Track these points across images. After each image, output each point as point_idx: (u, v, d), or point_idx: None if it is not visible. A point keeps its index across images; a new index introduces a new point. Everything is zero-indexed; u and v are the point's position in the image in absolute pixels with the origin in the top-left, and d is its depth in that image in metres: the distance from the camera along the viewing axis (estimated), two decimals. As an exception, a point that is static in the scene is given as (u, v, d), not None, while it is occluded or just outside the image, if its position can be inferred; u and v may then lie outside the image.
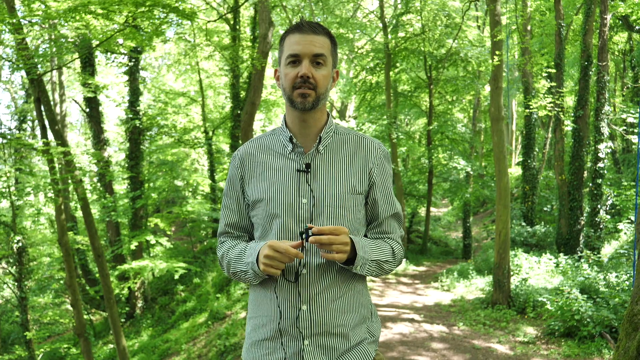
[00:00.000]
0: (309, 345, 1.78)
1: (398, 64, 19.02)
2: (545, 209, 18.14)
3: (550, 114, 14.07)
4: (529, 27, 15.95)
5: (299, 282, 1.78)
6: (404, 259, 15.64)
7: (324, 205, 1.79)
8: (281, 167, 1.85)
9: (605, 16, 12.40)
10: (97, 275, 14.93)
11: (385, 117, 18.24)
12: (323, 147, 1.86)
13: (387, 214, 1.91)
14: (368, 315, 1.92)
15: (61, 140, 9.65)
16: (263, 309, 1.87)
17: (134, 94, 16.33)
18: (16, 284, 15.20)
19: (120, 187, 20.25)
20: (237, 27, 16.61)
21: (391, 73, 18.58)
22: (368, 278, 1.89)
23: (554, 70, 14.11)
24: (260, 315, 1.88)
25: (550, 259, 11.85)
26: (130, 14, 8.62)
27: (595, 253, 12.31)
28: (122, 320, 15.66)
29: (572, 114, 13.61)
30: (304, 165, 1.82)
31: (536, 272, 11.31)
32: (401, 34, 18.44)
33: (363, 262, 1.75)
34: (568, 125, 13.90)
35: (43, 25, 12.28)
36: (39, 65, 9.60)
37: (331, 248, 1.65)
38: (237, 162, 1.94)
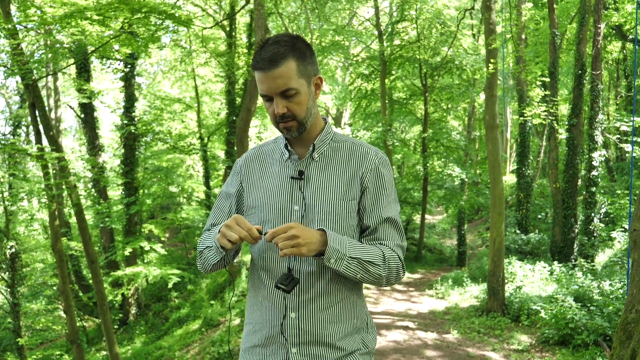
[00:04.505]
0: (296, 354, 1.78)
1: (393, 72, 19.10)
2: (539, 216, 18.19)
3: (544, 122, 14.14)
4: (523, 36, 16.04)
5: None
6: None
7: (315, 212, 1.80)
8: (276, 175, 1.87)
9: (599, 25, 12.50)
10: (91, 281, 14.82)
11: (380, 124, 18.28)
12: (318, 155, 1.86)
13: (379, 220, 1.84)
14: (362, 326, 1.90)
15: (56, 145, 9.62)
16: (256, 316, 1.88)
17: (129, 100, 16.29)
18: (9, 290, 15.10)
19: (115, 193, 20.16)
20: (233, 34, 16.63)
21: (386, 80, 18.64)
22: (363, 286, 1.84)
23: (548, 79, 14.18)
24: (253, 321, 1.89)
25: (545, 267, 11.88)
26: (126, 21, 8.62)
27: (589, 261, 12.35)
28: (115, 326, 15.57)
29: (566, 123, 13.68)
30: (297, 173, 1.83)
31: (530, 279, 11.33)
32: (397, 42, 18.52)
33: (338, 256, 1.67)
34: (562, 134, 13.97)
35: (39, 31, 12.26)
36: (34, 71, 9.57)
37: (277, 243, 1.61)
38: (237, 169, 1.98)
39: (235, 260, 2.07)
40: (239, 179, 1.95)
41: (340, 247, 1.68)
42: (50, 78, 19.52)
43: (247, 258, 14.27)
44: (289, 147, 1.86)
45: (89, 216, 16.52)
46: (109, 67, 13.62)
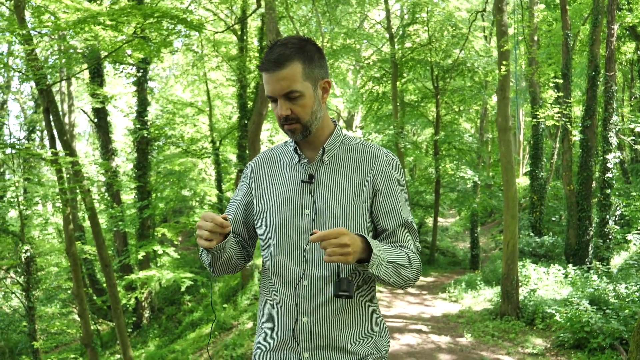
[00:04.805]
0: (309, 359, 1.77)
1: (405, 74, 19.06)
2: (553, 219, 18.04)
3: (557, 124, 14.02)
4: (536, 38, 15.96)
5: (298, 294, 1.77)
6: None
7: (326, 216, 1.79)
8: (286, 178, 1.87)
9: (613, 26, 12.39)
10: (105, 285, 14.95)
11: (392, 127, 18.26)
12: (328, 158, 1.85)
13: (397, 224, 1.84)
14: (375, 330, 1.89)
15: (69, 150, 9.71)
16: (268, 320, 1.87)
17: (142, 104, 16.41)
18: (24, 293, 15.22)
19: (128, 197, 20.30)
20: (245, 37, 16.69)
21: (398, 83, 18.61)
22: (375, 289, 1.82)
23: (561, 81, 14.09)
24: (265, 326, 1.89)
25: (559, 270, 11.77)
26: (138, 25, 8.69)
27: (605, 264, 12.21)
28: (129, 330, 15.65)
29: (580, 124, 13.56)
30: (307, 176, 1.83)
31: (545, 282, 11.23)
32: (408, 45, 18.50)
33: (379, 262, 1.65)
34: (576, 136, 13.85)
35: (53, 37, 12.39)
36: (48, 76, 9.68)
37: (327, 251, 1.55)
38: (247, 173, 1.98)
39: (248, 264, 2.08)
40: (247, 184, 1.95)
41: (379, 252, 1.66)
42: (64, 83, 19.73)
43: (260, 262, 14.29)
44: (299, 151, 1.86)
45: (102, 220, 16.63)
46: (121, 71, 13.73)
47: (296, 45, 1.74)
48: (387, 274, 1.69)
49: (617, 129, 13.12)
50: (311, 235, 1.57)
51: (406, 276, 1.76)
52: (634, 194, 13.97)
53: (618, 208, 13.53)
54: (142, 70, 16.09)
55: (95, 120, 16.65)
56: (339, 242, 1.55)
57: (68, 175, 11.84)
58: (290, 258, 1.80)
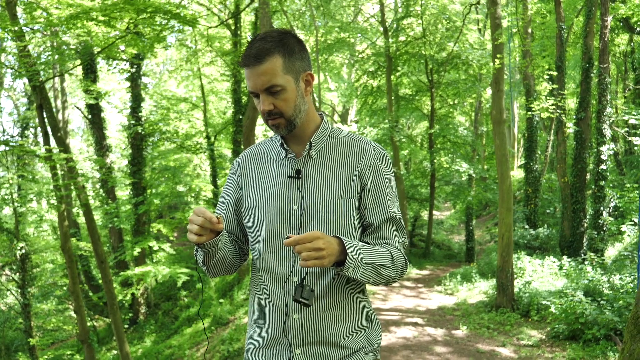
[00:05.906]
0: (300, 355, 1.77)
1: (399, 68, 19.05)
2: (548, 211, 18.11)
3: (552, 116, 14.06)
4: (529, 30, 15.97)
5: (288, 290, 1.76)
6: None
7: (314, 212, 1.77)
8: (274, 174, 1.84)
9: (606, 18, 12.41)
10: (100, 281, 14.93)
11: (386, 120, 18.26)
12: (315, 152, 1.82)
13: (383, 219, 1.81)
14: (367, 324, 1.88)
15: (63, 146, 9.68)
16: (259, 317, 1.86)
17: (136, 100, 16.36)
18: (19, 290, 15.21)
19: (123, 193, 20.27)
20: (239, 32, 16.64)
21: (392, 77, 18.61)
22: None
23: (555, 73, 14.11)
24: (256, 322, 1.87)
25: (554, 262, 11.82)
26: (131, 21, 8.66)
27: (599, 255, 12.28)
28: (126, 326, 15.66)
29: (574, 116, 13.60)
30: (294, 171, 1.80)
31: (540, 274, 11.28)
32: (402, 38, 18.48)
33: (356, 264, 1.64)
34: (570, 128, 13.89)
35: (45, 33, 12.32)
36: (41, 73, 9.62)
37: (302, 256, 1.56)
38: (234, 169, 1.95)
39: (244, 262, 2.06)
40: (236, 180, 1.92)
41: (356, 254, 1.65)
42: (57, 79, 19.61)
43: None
44: (285, 145, 1.83)
45: (97, 216, 16.61)
46: (115, 67, 13.69)
47: (276, 38, 1.71)
48: (366, 275, 1.69)
49: (611, 121, 13.16)
50: (286, 239, 1.56)
51: (387, 275, 1.75)
52: (628, 185, 14.02)
53: (612, 200, 13.59)
54: (135, 66, 16.03)
55: (89, 116, 16.60)
56: (313, 246, 1.54)
57: (62, 172, 11.81)
58: (279, 254, 1.78)
